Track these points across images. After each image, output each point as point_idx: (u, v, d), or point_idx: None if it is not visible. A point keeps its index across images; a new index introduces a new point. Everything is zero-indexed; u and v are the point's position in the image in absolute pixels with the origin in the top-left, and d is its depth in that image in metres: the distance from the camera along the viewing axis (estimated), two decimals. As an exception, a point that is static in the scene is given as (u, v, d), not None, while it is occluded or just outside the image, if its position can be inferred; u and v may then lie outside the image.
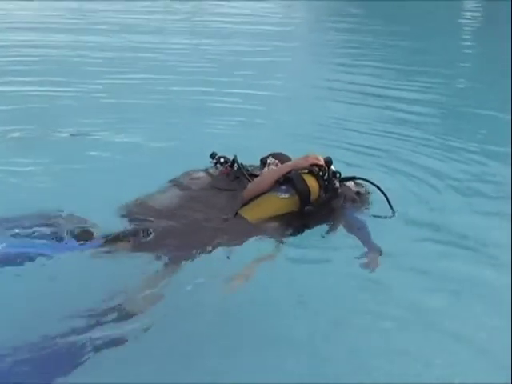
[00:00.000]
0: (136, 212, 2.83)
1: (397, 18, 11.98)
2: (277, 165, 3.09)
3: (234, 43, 8.51)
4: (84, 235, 2.58)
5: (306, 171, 2.91)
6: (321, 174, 2.90)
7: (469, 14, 13.58)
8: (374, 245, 2.80)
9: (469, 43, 10.01)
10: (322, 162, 2.92)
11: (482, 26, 12.21)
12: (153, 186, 3.02)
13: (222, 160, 3.20)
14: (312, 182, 2.88)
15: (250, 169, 3.23)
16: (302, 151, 3.08)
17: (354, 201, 3.02)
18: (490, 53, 8.75)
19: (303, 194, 2.85)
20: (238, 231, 2.75)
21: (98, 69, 6.38)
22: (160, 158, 3.81)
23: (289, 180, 2.89)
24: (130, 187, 3.10)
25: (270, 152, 3.23)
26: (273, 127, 4.69)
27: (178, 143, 4.12)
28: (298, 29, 11.29)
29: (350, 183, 3.09)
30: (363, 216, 2.98)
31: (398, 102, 5.63)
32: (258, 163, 3.27)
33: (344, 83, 6.36)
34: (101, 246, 2.56)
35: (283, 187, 2.89)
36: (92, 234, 2.60)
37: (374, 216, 3.00)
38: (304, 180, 2.87)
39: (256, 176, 3.13)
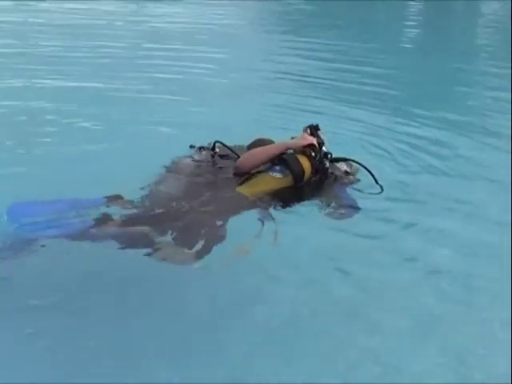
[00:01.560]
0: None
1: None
2: None
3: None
4: None
5: (299, 152, 2.97)
6: (313, 154, 2.97)
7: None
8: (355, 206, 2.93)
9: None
10: (315, 143, 3.00)
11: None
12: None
13: (202, 149, 3.24)
14: (305, 163, 2.96)
15: (232, 148, 3.26)
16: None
17: (342, 179, 3.11)
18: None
19: (297, 175, 2.93)
20: (241, 206, 2.79)
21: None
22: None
23: (283, 160, 2.94)
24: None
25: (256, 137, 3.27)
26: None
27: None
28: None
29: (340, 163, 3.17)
30: (351, 192, 3.08)
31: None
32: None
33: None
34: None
35: (277, 167, 2.96)
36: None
37: (361, 191, 3.08)
38: (299, 161, 2.93)
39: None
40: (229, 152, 3.23)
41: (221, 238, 2.54)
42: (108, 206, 2.64)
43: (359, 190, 3.08)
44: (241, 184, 2.91)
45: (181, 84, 5.49)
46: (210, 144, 3.27)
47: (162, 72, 5.90)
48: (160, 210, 2.65)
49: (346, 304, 2.33)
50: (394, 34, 10.26)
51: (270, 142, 3.24)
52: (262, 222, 2.70)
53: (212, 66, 6.32)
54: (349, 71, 6.45)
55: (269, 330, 2.16)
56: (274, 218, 2.73)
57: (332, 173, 3.06)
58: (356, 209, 2.92)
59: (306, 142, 2.99)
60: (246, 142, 3.30)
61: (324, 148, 3.02)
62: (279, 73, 6.25)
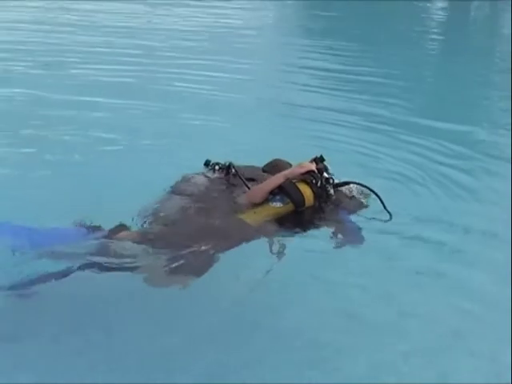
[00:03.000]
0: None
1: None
2: None
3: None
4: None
5: (300, 180, 3.00)
6: (314, 181, 2.99)
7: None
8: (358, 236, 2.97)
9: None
10: (314, 170, 3.01)
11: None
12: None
13: (216, 167, 3.24)
14: (306, 190, 2.97)
15: (245, 171, 3.25)
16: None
17: (348, 204, 3.10)
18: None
19: (298, 203, 2.96)
20: (241, 233, 2.84)
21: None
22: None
23: (283, 189, 2.98)
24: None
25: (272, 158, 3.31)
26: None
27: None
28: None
29: (347, 187, 3.15)
30: (357, 219, 3.08)
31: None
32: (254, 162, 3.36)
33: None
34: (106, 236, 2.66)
35: (277, 197, 2.98)
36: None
37: (370, 219, 3.09)
38: (298, 189, 2.96)
39: (253, 180, 3.18)
40: (242, 171, 3.20)
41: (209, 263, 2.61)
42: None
43: (366, 217, 3.08)
44: (243, 213, 2.93)
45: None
46: (225, 163, 3.22)
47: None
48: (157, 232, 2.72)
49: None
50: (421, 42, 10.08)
51: (287, 163, 3.25)
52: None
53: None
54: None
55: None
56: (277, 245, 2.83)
57: (337, 199, 3.05)
58: (357, 236, 2.96)
59: (303, 170, 3.01)
60: (262, 162, 3.33)
61: (326, 174, 3.02)
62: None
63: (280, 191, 2.99)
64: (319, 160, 3.16)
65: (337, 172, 3.12)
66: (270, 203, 2.97)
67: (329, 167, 3.17)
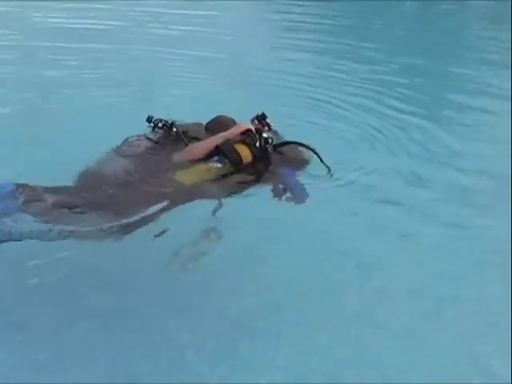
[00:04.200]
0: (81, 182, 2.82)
1: None
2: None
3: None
4: None
5: (238, 140, 3.02)
6: (252, 142, 3.01)
7: None
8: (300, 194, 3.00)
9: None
10: (252, 129, 3.03)
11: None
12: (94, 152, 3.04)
13: (159, 124, 3.19)
14: (244, 151, 3.01)
15: (190, 129, 3.24)
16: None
17: (287, 164, 3.13)
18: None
19: (235, 163, 2.99)
20: (177, 195, 2.81)
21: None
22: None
23: (220, 150, 2.99)
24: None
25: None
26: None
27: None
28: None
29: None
30: (298, 177, 3.11)
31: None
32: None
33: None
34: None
35: (215, 158, 3.00)
36: None
37: (311, 176, 3.12)
38: (235, 150, 2.99)
39: (197, 139, 3.16)
40: (186, 129, 3.19)
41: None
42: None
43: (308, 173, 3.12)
44: (175, 172, 2.89)
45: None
46: (168, 120, 3.18)
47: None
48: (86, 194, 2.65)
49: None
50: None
51: (230, 120, 3.25)
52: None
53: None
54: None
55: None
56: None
57: (279, 158, 3.08)
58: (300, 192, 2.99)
59: (240, 129, 3.04)
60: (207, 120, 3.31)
61: (265, 134, 3.04)
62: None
63: (218, 152, 3.00)
64: (261, 117, 3.18)
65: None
66: (209, 164, 2.98)
67: (271, 124, 3.20)
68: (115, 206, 2.63)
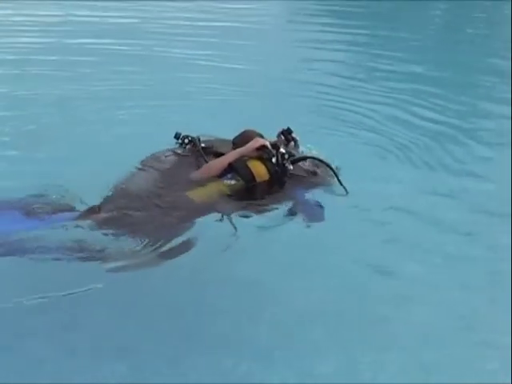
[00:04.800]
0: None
1: None
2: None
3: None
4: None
5: (254, 156, 3.03)
6: (268, 157, 3.01)
7: None
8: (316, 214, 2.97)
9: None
10: (267, 145, 3.03)
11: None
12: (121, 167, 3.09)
13: (186, 140, 3.24)
14: (257, 168, 3.01)
15: (217, 145, 3.26)
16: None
17: (306, 179, 3.11)
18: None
19: (247, 180, 2.99)
20: (186, 211, 2.85)
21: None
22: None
23: (233, 167, 3.01)
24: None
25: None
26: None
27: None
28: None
29: (308, 162, 3.15)
30: (314, 195, 3.08)
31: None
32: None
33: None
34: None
35: (229, 175, 3.02)
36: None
37: (327, 193, 3.08)
38: (247, 166, 3.00)
39: (222, 154, 3.18)
40: (211, 145, 3.22)
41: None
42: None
43: (324, 192, 3.08)
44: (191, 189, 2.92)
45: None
46: (196, 137, 3.22)
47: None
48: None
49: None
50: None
51: (257, 134, 3.22)
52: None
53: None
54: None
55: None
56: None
57: (294, 174, 3.04)
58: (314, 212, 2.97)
59: (255, 145, 3.04)
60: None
61: (282, 149, 3.03)
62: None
63: (231, 169, 3.02)
64: (286, 132, 3.19)
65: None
66: (222, 181, 3.00)
67: (297, 138, 3.20)
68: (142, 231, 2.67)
